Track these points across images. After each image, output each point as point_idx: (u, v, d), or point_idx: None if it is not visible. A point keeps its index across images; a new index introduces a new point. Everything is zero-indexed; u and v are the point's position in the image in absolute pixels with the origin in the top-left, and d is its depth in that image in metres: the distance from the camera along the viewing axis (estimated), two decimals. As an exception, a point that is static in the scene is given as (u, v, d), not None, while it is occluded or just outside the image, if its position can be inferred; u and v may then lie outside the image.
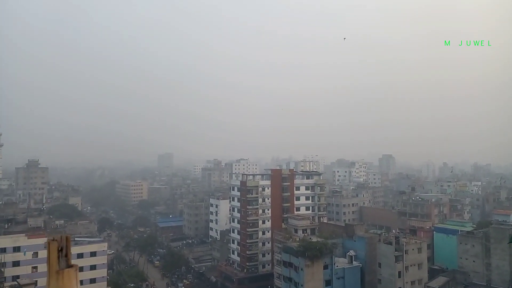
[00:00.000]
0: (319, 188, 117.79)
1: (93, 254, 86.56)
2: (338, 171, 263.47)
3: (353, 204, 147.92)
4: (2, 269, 62.41)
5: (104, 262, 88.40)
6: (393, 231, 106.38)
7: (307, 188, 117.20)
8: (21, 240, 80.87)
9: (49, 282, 9.18)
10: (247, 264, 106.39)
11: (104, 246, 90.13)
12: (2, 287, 57.69)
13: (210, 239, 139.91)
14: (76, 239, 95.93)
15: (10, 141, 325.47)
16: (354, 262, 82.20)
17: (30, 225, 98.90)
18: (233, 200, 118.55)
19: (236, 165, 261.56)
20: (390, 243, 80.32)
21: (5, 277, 62.01)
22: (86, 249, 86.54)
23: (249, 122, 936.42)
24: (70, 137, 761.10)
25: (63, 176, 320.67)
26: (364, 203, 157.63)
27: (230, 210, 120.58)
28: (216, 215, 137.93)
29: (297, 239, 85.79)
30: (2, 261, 69.33)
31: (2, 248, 76.26)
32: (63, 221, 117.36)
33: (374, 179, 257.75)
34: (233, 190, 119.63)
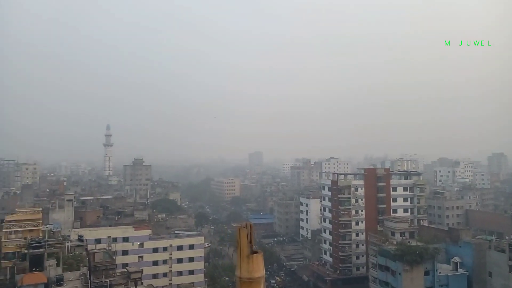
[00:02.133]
0: (418, 189, 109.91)
1: (191, 247, 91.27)
2: (440, 171, 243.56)
3: (457, 207, 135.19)
4: (114, 257, 68.73)
5: (201, 255, 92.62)
6: (506, 237, 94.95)
7: (405, 189, 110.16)
8: (129, 231, 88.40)
9: (241, 265, 10.09)
10: (340, 265, 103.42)
11: (201, 239, 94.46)
12: (114, 274, 63.36)
13: (301, 238, 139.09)
14: (176, 232, 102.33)
15: (119, 141, 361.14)
16: (459, 270, 75.14)
17: (136, 218, 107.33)
18: (324, 199, 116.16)
19: (326, 164, 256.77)
20: (503, 251, 71.81)
21: (116, 265, 68.28)
22: (185, 242, 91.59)
23: (336, 121, 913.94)
24: (169, 136, 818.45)
25: (164, 173, 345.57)
26: (470, 206, 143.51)
27: (321, 209, 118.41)
28: (307, 214, 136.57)
29: (394, 243, 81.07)
30: (114, 249, 76.32)
31: (113, 238, 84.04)
32: (164, 215, 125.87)
33: (482, 179, 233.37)
34: (324, 189, 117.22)
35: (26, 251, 54.99)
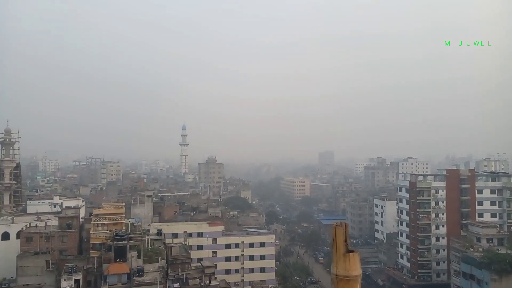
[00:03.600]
0: (508, 192, 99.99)
1: (262, 244, 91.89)
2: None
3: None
4: (190, 251, 71.48)
5: (272, 253, 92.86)
6: None
7: (492, 192, 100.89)
8: (203, 227, 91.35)
9: (337, 264, 10.26)
10: (418, 271, 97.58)
11: (272, 238, 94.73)
12: (190, 267, 65.83)
13: (375, 241, 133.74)
14: (247, 229, 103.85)
15: (193, 140, 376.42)
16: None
17: (210, 214, 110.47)
18: (401, 202, 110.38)
19: (403, 164, 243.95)
20: None
21: (191, 259, 71.10)
22: (257, 239, 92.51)
23: (412, 118, 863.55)
24: (241, 136, 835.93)
25: (235, 172, 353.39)
26: None
27: (397, 212, 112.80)
28: (382, 216, 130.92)
29: (480, 249, 74.68)
30: (189, 244, 79.43)
31: (189, 233, 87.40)
32: (236, 212, 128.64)
33: None
34: (401, 191, 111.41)
35: (111, 242, 59.09)
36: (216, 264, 72.72)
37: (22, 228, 75.87)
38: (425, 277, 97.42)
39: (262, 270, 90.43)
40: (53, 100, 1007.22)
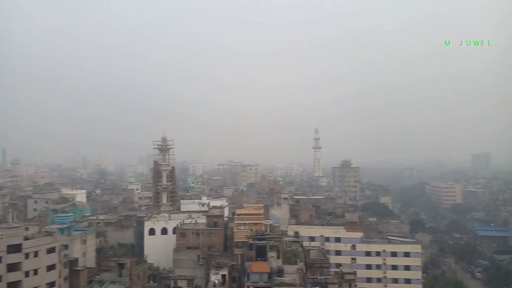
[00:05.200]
0: None
1: (406, 254, 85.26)
2: None
3: None
4: (328, 256, 70.12)
5: (418, 264, 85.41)
6: None
7: None
8: (341, 232, 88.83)
9: None
10: None
11: (417, 248, 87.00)
12: (328, 272, 64.46)
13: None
14: (388, 237, 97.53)
15: (328, 143, 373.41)
16: None
17: (347, 219, 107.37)
18: None
19: None
20: None
21: (329, 264, 69.66)
22: (399, 248, 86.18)
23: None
24: (377, 138, 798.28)
25: (373, 176, 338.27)
26: None
27: None
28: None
29: None
30: (327, 248, 78.05)
31: (326, 237, 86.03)
32: (375, 219, 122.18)
33: None
34: None
35: (252, 241, 61.54)
36: (355, 271, 69.64)
37: (177, 225, 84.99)
38: None
39: (407, 281, 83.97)
40: (208, 109, 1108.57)
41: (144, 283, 66.51)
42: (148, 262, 77.28)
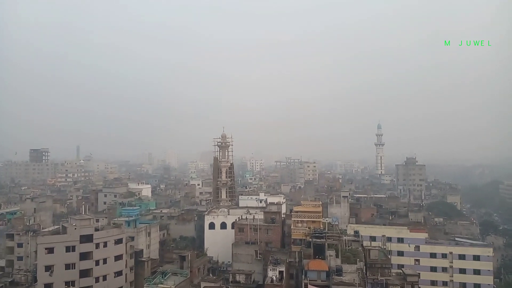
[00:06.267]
0: None
1: (476, 257, 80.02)
2: None
3: None
4: (389, 256, 67.51)
5: (489, 269, 79.82)
6: None
7: None
8: (404, 232, 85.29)
9: None
10: None
11: (489, 251, 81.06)
12: (390, 273, 62.09)
13: None
14: (456, 239, 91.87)
15: (391, 139, 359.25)
16: None
17: (411, 219, 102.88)
18: None
19: None
20: None
21: (391, 264, 67.05)
22: (468, 251, 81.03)
23: None
24: (445, 133, 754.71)
25: (440, 174, 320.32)
26: None
27: None
28: None
29: None
30: (388, 249, 75.12)
31: (388, 237, 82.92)
32: (442, 219, 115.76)
33: None
34: None
35: (310, 239, 60.96)
36: (419, 273, 66.45)
37: (236, 220, 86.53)
38: None
39: (477, 286, 78.87)
40: (261, 107, 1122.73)
41: (204, 276, 68.64)
42: (208, 255, 79.63)
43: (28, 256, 72.49)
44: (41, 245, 58.04)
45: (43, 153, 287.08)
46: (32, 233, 74.53)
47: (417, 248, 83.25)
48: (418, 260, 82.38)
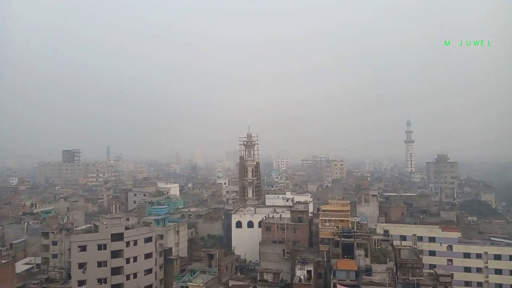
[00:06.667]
0: None
1: (512, 257, 76.91)
2: None
3: None
4: (420, 256, 65.90)
5: (528, 270, 76.29)
6: None
7: None
8: (435, 231, 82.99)
9: None
10: None
11: (526, 251, 77.74)
12: (421, 273, 60.57)
13: None
14: (491, 238, 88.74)
15: (421, 136, 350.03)
16: None
17: (443, 218, 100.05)
18: None
19: None
20: None
21: (423, 264, 65.55)
22: (505, 251, 78.30)
23: None
24: (477, 130, 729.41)
25: (473, 171, 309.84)
26: None
27: None
28: None
29: None
30: (420, 248, 73.28)
31: (419, 237, 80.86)
32: (475, 218, 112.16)
33: None
34: None
35: (338, 238, 60.20)
36: (452, 274, 64.46)
37: (263, 219, 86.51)
38: None
39: (512, 288, 75.47)
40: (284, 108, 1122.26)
41: (232, 274, 68.93)
42: (236, 254, 79.93)
43: (62, 254, 74.97)
44: (74, 243, 59.82)
45: (75, 154, 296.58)
46: (65, 231, 77.01)
47: (450, 247, 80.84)
48: (451, 260, 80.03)
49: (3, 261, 54.73)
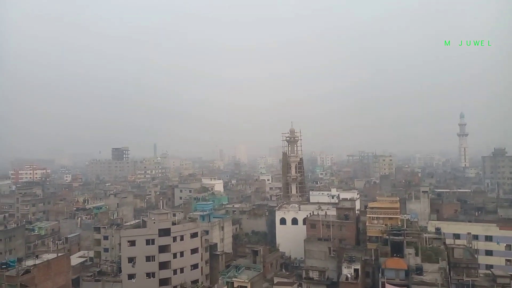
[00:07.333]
0: None
1: None
2: None
3: None
4: (476, 256, 62.21)
5: None
6: None
7: None
8: (492, 229, 78.02)
9: None
10: None
11: None
12: (477, 274, 57.13)
13: None
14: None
15: (476, 130, 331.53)
16: None
17: (501, 215, 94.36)
18: None
19: None
20: None
21: (478, 264, 61.92)
22: None
23: None
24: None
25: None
26: None
27: None
28: None
29: None
30: (475, 247, 69.31)
31: (474, 235, 76.43)
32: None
33: None
34: None
35: (387, 236, 58.03)
36: (511, 275, 60.28)
37: (307, 216, 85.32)
38: None
39: None
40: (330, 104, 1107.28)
41: (277, 271, 68.60)
42: (280, 250, 79.43)
43: (113, 248, 78.01)
44: (124, 238, 61.90)
45: (124, 151, 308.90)
46: (115, 226, 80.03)
47: (508, 247, 75.65)
48: (509, 260, 74.96)
49: (59, 254, 57.67)
